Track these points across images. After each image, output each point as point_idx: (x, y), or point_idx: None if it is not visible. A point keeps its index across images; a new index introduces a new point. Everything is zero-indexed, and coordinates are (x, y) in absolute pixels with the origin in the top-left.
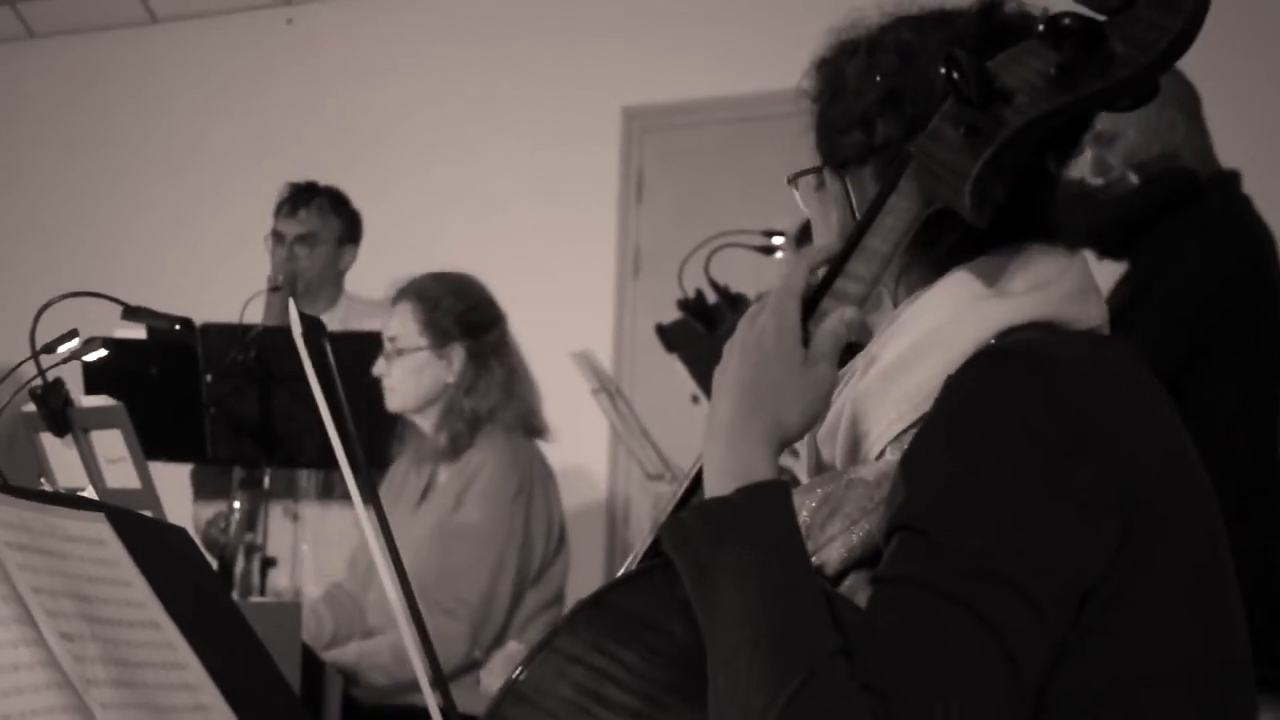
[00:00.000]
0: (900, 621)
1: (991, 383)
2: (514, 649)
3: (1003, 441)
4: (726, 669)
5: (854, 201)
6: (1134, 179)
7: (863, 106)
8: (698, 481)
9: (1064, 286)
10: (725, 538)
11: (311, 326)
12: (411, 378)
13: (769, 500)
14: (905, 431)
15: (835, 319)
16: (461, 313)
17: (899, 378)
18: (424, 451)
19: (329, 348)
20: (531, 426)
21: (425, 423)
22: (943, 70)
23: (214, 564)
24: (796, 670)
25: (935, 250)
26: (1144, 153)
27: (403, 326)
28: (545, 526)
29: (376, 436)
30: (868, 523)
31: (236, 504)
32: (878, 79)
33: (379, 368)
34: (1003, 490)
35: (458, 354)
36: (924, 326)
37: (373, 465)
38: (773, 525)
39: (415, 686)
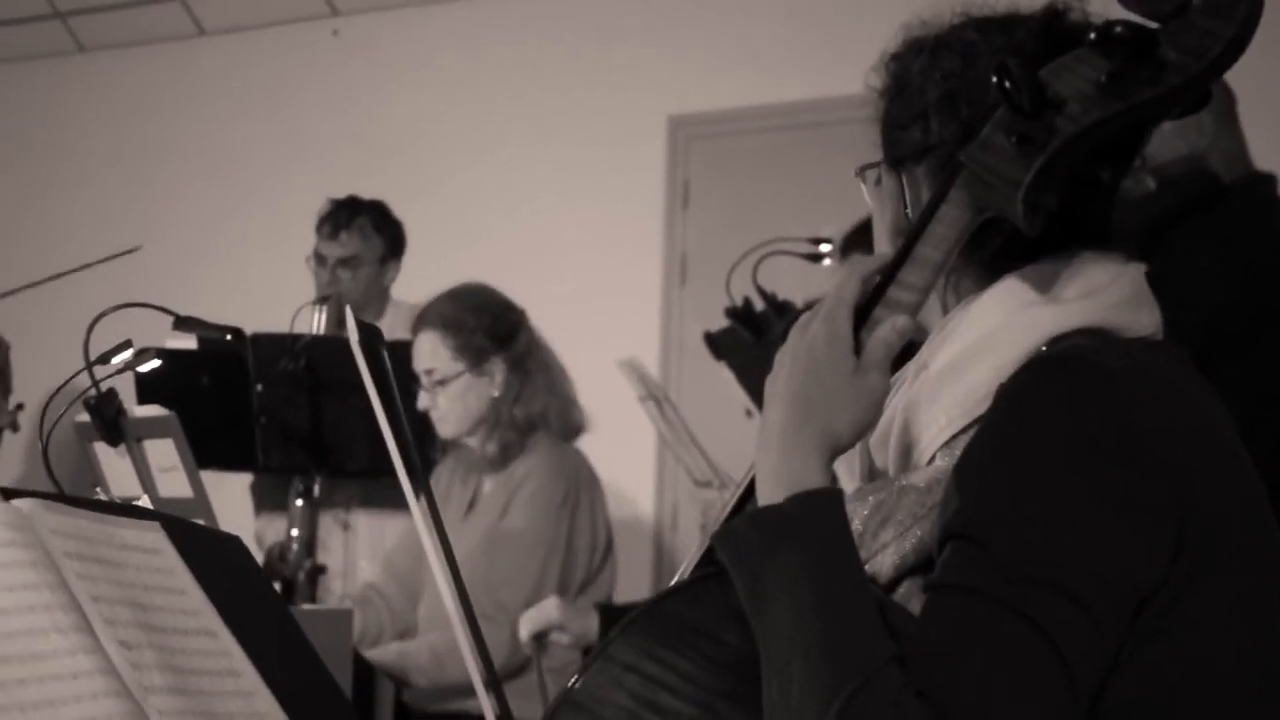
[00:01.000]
0: (954, 629)
1: (1044, 391)
2: (551, 602)
3: (1056, 450)
4: (780, 676)
5: (908, 199)
6: (1151, 183)
7: (923, 105)
8: (750, 490)
9: (1115, 294)
10: (778, 545)
11: (369, 334)
12: (459, 404)
13: (821, 508)
14: (956, 437)
15: (887, 327)
16: (489, 327)
17: (949, 384)
18: (470, 461)
19: (386, 356)
20: (574, 424)
21: (472, 439)
22: (994, 79)
23: (278, 587)
24: (850, 678)
25: (984, 253)
26: (1167, 155)
27: (435, 357)
28: (590, 536)
29: (424, 450)
30: (920, 529)
31: (295, 531)
32: (938, 78)
33: (423, 401)
34: (1057, 498)
35: (498, 368)
36: (974, 333)
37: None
38: (825, 533)
39: (454, 691)
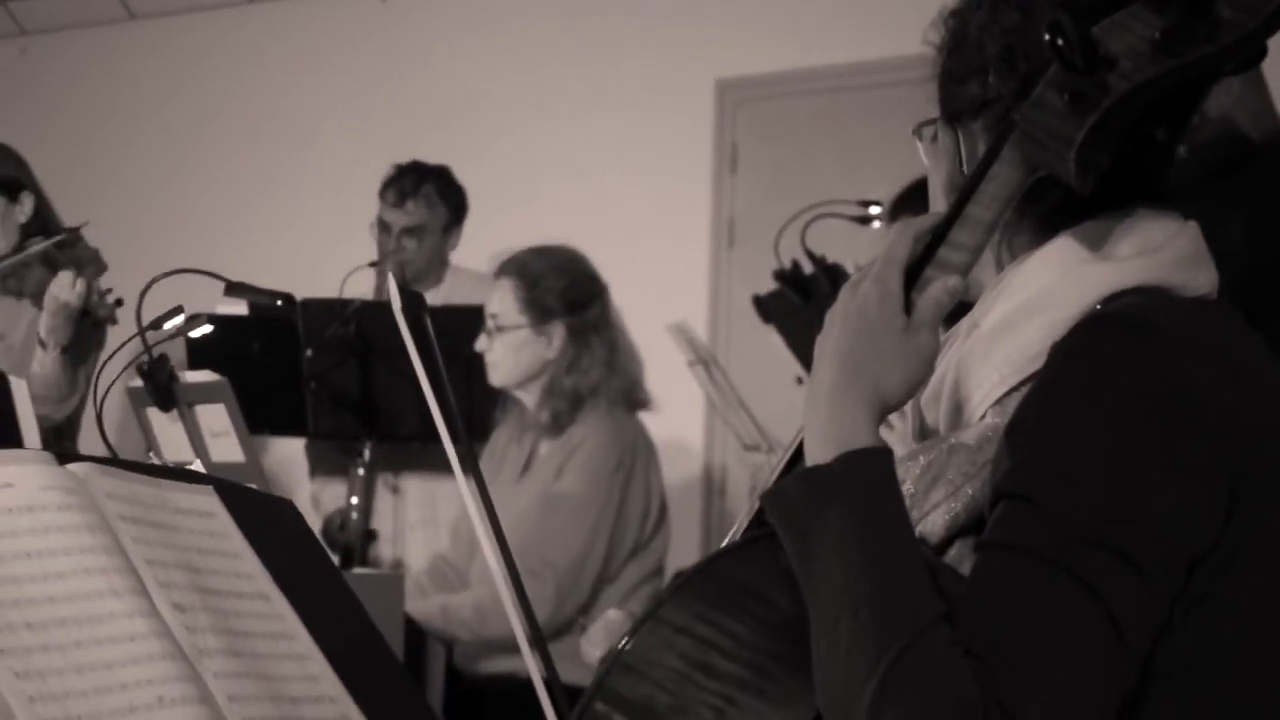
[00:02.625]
0: (1004, 587)
1: (1099, 349)
2: (613, 616)
3: (1110, 409)
4: (829, 635)
5: (964, 155)
6: (1181, 149)
7: (981, 60)
8: (800, 451)
9: (1172, 252)
10: (826, 505)
11: (411, 301)
12: (512, 355)
13: (870, 467)
14: (1008, 395)
15: (938, 287)
16: (562, 290)
17: (1002, 341)
18: (525, 423)
19: (429, 322)
20: (634, 400)
21: (528, 397)
22: (1047, 36)
23: (335, 558)
24: (899, 636)
25: (1039, 210)
26: (1195, 120)
27: (503, 303)
28: (643, 503)
29: (478, 407)
30: (971, 488)
31: (355, 499)
32: (997, 33)
33: (481, 343)
34: (1110, 458)
35: (558, 331)
36: (1028, 291)
37: (473, 437)
38: (874, 492)
39: (497, 645)
